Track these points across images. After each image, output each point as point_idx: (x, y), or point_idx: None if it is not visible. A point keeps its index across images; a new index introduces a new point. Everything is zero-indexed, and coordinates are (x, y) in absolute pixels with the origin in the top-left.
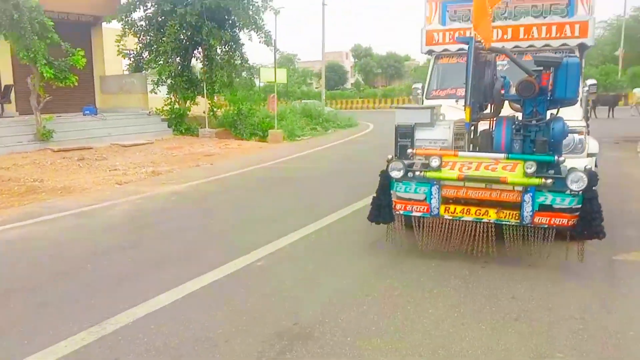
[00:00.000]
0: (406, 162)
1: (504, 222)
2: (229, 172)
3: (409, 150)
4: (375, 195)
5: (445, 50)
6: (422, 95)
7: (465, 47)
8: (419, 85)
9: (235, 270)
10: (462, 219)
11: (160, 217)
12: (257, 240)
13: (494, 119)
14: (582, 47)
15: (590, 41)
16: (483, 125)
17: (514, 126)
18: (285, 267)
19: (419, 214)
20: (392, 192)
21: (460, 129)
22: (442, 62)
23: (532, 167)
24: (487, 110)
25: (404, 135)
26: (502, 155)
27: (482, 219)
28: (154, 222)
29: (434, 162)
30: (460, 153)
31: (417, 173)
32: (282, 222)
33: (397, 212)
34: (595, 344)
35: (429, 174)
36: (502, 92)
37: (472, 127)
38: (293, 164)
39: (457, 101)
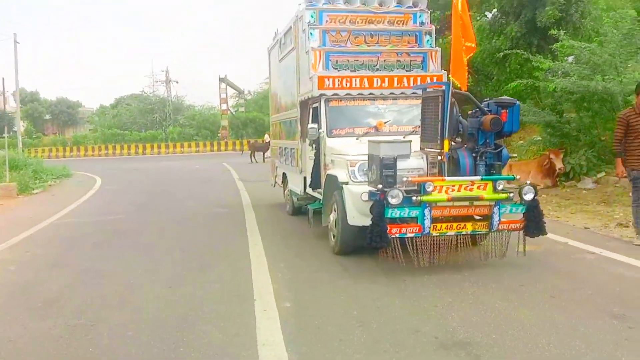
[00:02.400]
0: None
1: (477, 232)
2: None
3: (405, 179)
4: (372, 222)
5: (335, 94)
6: (320, 134)
7: (351, 91)
8: (315, 125)
9: None
10: (446, 234)
11: None
12: None
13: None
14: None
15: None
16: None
17: (473, 154)
18: None
19: (412, 235)
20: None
21: (433, 159)
22: (333, 104)
23: (501, 185)
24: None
25: (388, 166)
26: (478, 178)
27: (461, 232)
28: None
29: (429, 187)
30: (447, 178)
31: (414, 198)
32: None
33: (393, 236)
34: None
35: (425, 198)
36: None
37: (450, 156)
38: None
39: (357, 139)
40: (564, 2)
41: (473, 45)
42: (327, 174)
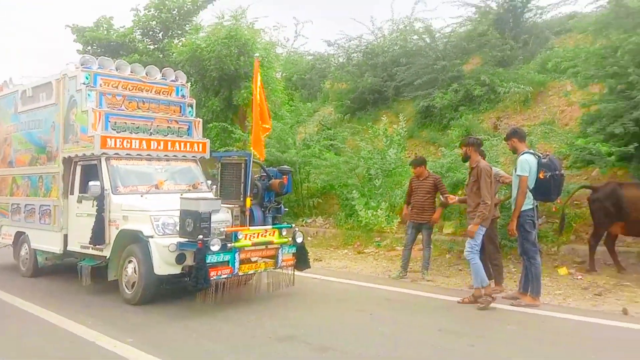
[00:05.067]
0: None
1: (268, 269)
2: None
3: (222, 229)
4: (196, 267)
5: (116, 153)
6: (104, 191)
7: (131, 151)
8: (97, 183)
9: None
10: (248, 273)
11: None
12: None
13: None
14: (202, 159)
15: (207, 155)
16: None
17: (262, 209)
18: None
19: (225, 276)
20: None
21: (236, 213)
22: (114, 163)
23: (285, 232)
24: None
25: (205, 219)
26: (270, 227)
27: (258, 270)
28: None
29: (240, 235)
30: (251, 227)
31: (230, 245)
32: None
33: (213, 278)
34: None
35: (236, 244)
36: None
37: (248, 211)
38: None
39: (142, 196)
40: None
41: (269, 126)
42: (122, 229)
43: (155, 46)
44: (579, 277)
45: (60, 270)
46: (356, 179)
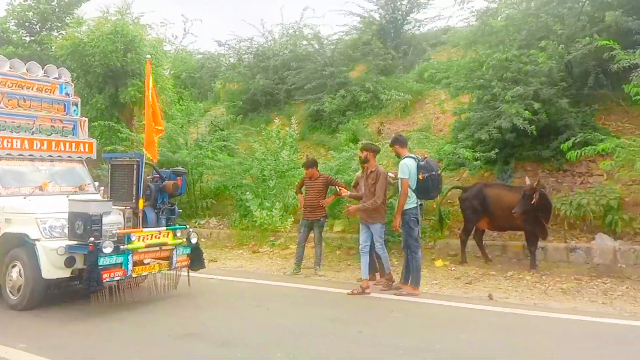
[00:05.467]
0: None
1: (163, 271)
2: None
3: (115, 231)
4: (89, 270)
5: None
6: None
7: (12, 151)
8: None
9: None
10: (142, 274)
11: None
12: None
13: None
14: (88, 160)
15: (93, 156)
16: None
17: (155, 210)
18: None
19: (118, 278)
20: None
21: (129, 214)
22: None
23: (179, 233)
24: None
25: (96, 222)
26: (163, 228)
27: (152, 271)
28: None
29: (133, 237)
30: (144, 229)
31: (122, 247)
32: None
33: (105, 281)
34: None
35: (129, 246)
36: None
37: (141, 213)
38: None
39: (25, 197)
40: (142, 86)
41: (162, 127)
42: (4, 233)
43: (32, 38)
44: (453, 268)
45: None
46: (250, 180)
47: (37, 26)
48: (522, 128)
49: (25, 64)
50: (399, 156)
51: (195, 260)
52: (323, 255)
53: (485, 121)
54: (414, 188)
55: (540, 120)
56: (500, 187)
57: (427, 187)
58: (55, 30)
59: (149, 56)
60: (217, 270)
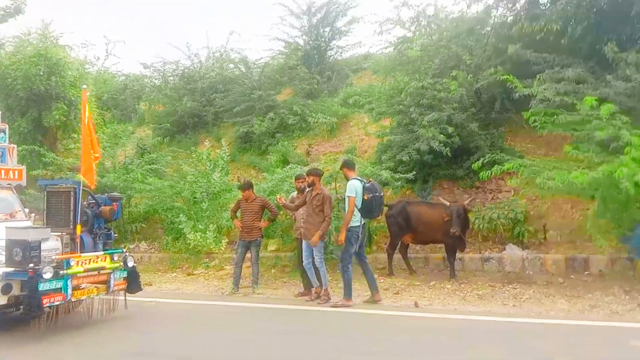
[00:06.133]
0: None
1: (101, 294)
2: None
3: (53, 257)
4: (29, 296)
5: None
6: None
7: None
8: None
9: None
10: (81, 298)
11: None
12: None
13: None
14: (18, 186)
15: (23, 183)
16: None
17: (92, 235)
18: None
19: (58, 302)
20: None
21: (66, 240)
22: None
23: (117, 257)
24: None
25: (35, 248)
26: (102, 252)
27: (90, 295)
28: None
29: (72, 262)
30: (82, 254)
31: (62, 272)
32: None
33: (45, 306)
34: None
35: (69, 271)
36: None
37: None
38: None
39: None
40: (67, 110)
41: (98, 155)
42: None
43: None
44: (382, 280)
45: None
46: (182, 203)
47: None
48: (438, 150)
49: None
50: (347, 178)
51: (132, 283)
52: (260, 274)
53: (406, 144)
54: (359, 207)
55: (454, 143)
56: (422, 205)
57: (371, 207)
58: None
59: (84, 86)
60: (155, 293)
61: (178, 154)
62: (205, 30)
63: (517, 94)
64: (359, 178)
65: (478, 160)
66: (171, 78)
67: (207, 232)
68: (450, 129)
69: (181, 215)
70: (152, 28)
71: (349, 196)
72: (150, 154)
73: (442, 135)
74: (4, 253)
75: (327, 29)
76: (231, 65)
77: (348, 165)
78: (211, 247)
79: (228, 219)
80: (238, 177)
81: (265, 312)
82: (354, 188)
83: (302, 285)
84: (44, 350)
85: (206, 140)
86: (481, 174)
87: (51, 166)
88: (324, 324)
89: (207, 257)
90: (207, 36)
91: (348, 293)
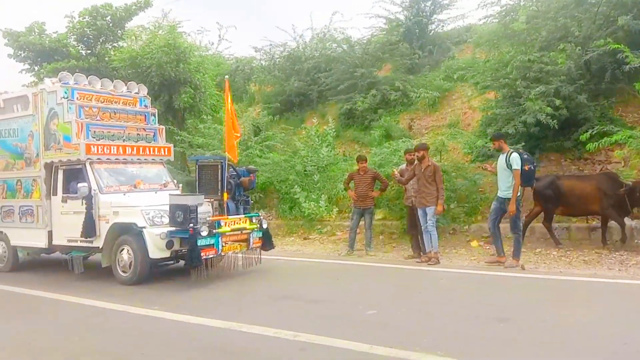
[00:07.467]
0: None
1: (242, 250)
2: None
3: (207, 219)
4: (190, 249)
5: (99, 159)
6: (91, 192)
7: (111, 156)
8: (85, 184)
9: None
10: (228, 253)
11: None
12: None
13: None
14: (167, 161)
15: (172, 158)
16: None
17: (235, 202)
18: None
19: (212, 255)
20: None
21: (216, 205)
22: (97, 166)
23: (255, 220)
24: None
25: (193, 212)
26: (242, 215)
27: (235, 250)
28: None
29: (222, 223)
30: (229, 217)
31: (214, 231)
32: None
33: (204, 257)
34: None
35: (220, 230)
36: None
37: (225, 204)
38: None
39: (124, 194)
40: (194, 93)
41: (239, 134)
42: (114, 223)
43: (89, 52)
44: (487, 247)
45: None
46: (295, 175)
47: (93, 40)
48: (545, 122)
49: (86, 77)
50: (500, 150)
51: (266, 242)
52: (372, 238)
53: (511, 117)
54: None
55: (561, 115)
56: (572, 178)
57: (530, 176)
58: (109, 44)
59: (227, 77)
60: (279, 252)
61: (288, 131)
62: (309, 12)
63: (627, 67)
64: (515, 150)
65: (587, 132)
66: (279, 60)
67: (320, 201)
68: (557, 102)
69: (296, 186)
70: (260, 13)
71: (515, 169)
72: (262, 131)
73: (549, 108)
74: (166, 216)
75: (429, 3)
76: (334, 45)
77: (504, 137)
78: (324, 214)
79: (338, 190)
80: (343, 151)
81: (379, 270)
82: (519, 160)
83: (411, 249)
84: (206, 293)
85: (313, 118)
86: (588, 145)
87: (182, 144)
88: (434, 283)
89: (319, 224)
90: (311, 18)
91: (517, 254)
